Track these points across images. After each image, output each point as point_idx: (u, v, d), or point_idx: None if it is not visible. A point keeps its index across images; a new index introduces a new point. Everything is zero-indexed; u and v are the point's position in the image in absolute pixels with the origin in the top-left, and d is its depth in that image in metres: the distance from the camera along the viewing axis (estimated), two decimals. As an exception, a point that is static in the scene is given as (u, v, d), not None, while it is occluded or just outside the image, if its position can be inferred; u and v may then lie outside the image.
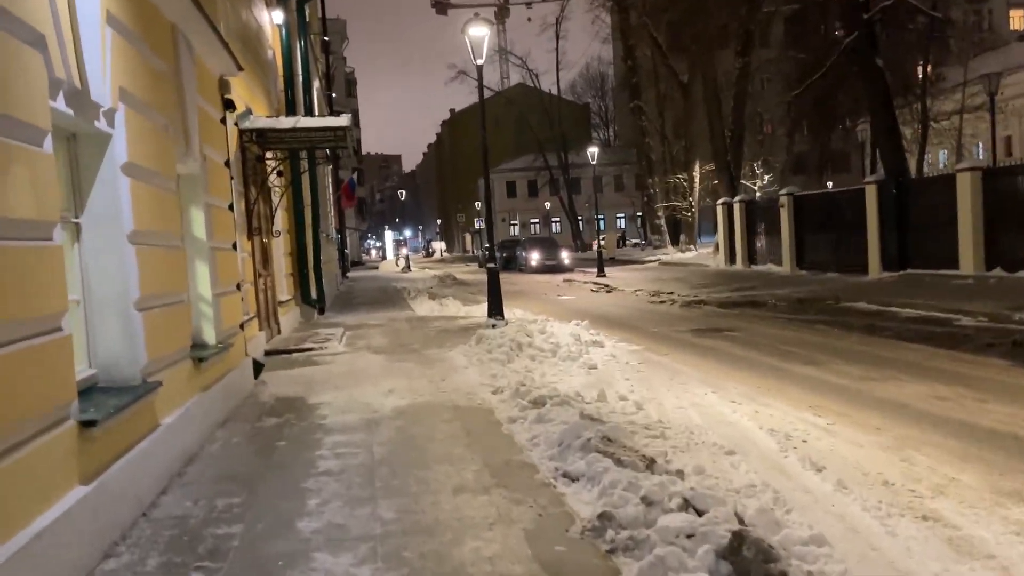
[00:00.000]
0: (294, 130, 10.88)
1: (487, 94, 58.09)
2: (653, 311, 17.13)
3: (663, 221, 40.66)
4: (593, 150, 29.73)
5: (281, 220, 14.42)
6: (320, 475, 4.96)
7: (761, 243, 26.89)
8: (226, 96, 7.94)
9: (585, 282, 27.88)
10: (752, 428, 6.18)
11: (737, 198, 27.99)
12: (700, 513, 3.87)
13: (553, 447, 5.18)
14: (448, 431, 6.00)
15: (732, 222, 28.31)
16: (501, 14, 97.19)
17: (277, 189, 13.06)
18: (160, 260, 5.24)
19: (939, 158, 39.01)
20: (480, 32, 12.52)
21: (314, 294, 15.85)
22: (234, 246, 8.04)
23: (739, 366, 9.37)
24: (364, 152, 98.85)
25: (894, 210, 19.31)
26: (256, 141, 10.94)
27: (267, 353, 10.82)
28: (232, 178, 8.29)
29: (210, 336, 6.78)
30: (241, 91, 11.01)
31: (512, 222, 77.68)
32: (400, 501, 4.40)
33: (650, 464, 4.85)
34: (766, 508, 4.05)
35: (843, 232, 21.72)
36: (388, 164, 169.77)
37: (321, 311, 16.04)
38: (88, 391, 4.34)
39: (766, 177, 38.57)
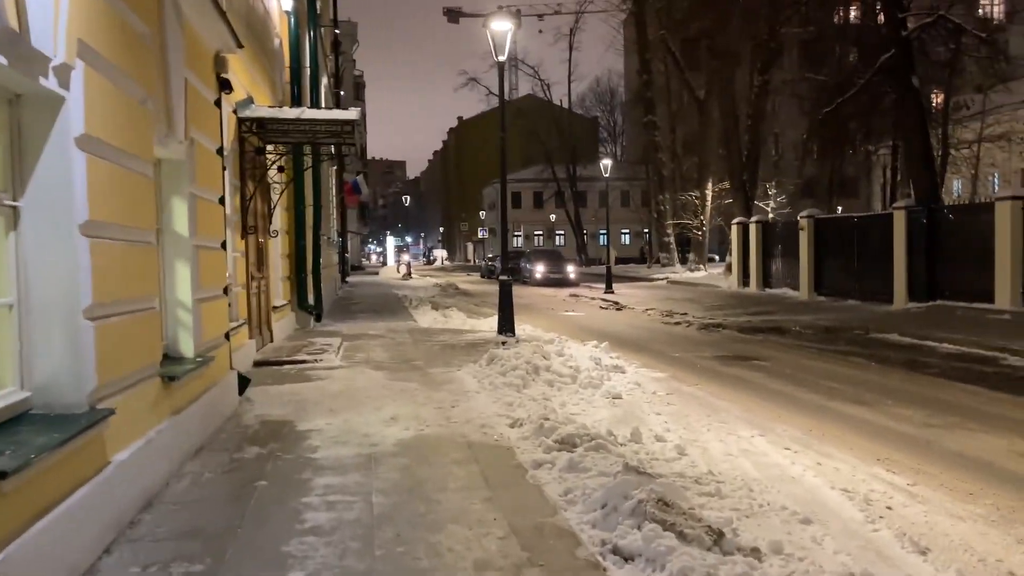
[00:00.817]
0: (298, 121, 9.95)
1: (496, 102, 57.01)
2: (669, 333, 16.19)
3: (672, 239, 39.75)
4: (606, 162, 28.85)
5: (280, 220, 13.49)
6: (306, 534, 3.99)
7: (777, 266, 25.97)
8: (222, 75, 7.00)
9: (592, 298, 26.96)
10: (821, 487, 5.22)
11: (754, 218, 27.10)
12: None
13: (595, 508, 4.21)
14: (463, 477, 5.03)
15: (747, 243, 27.41)
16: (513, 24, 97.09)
17: (277, 186, 12.12)
18: (124, 258, 4.29)
19: (953, 187, 38.14)
20: (503, 27, 11.63)
21: (311, 300, 14.90)
22: (223, 245, 7.10)
23: (780, 402, 8.42)
24: (369, 157, 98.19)
25: (924, 238, 18.40)
26: (256, 132, 10.02)
27: (256, 364, 9.85)
28: (225, 169, 7.34)
29: (188, 348, 5.82)
30: (242, 77, 10.09)
31: (516, 233, 76.73)
32: (407, 580, 3.43)
33: (718, 538, 3.89)
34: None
35: (866, 259, 20.81)
36: (392, 170, 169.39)
37: (318, 318, 15.07)
38: (13, 422, 3.38)
39: (779, 198, 37.71)
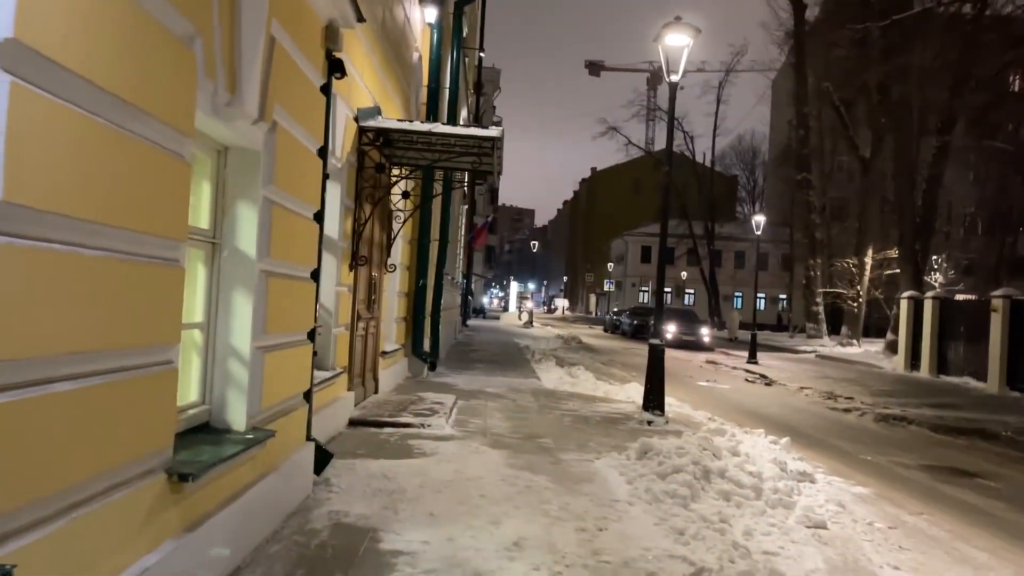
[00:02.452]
0: (429, 136, 8.27)
1: (634, 153, 55.10)
2: (840, 422, 13.50)
3: (821, 308, 36.16)
4: (759, 219, 26.18)
5: (400, 253, 11.90)
6: None
7: (956, 350, 22.40)
8: (334, 53, 5.33)
9: (734, 367, 24.16)
10: None
11: (929, 293, 23.65)
12: None
13: None
14: None
15: (918, 321, 23.94)
16: (654, 80, 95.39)
17: (400, 214, 10.52)
18: (97, 285, 2.49)
19: None
20: (679, 41, 9.63)
21: (427, 346, 13.20)
22: (314, 275, 5.35)
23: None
24: (500, 203, 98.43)
25: None
26: (378, 146, 8.41)
27: (352, 423, 8.08)
28: (327, 177, 5.63)
29: (237, 416, 4.01)
30: (370, 81, 8.54)
31: (643, 288, 74.05)
32: None
33: None
34: None
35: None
36: (521, 217, 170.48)
37: (432, 366, 13.33)
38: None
39: (949, 274, 33.65)
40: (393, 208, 10.56)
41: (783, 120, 72.69)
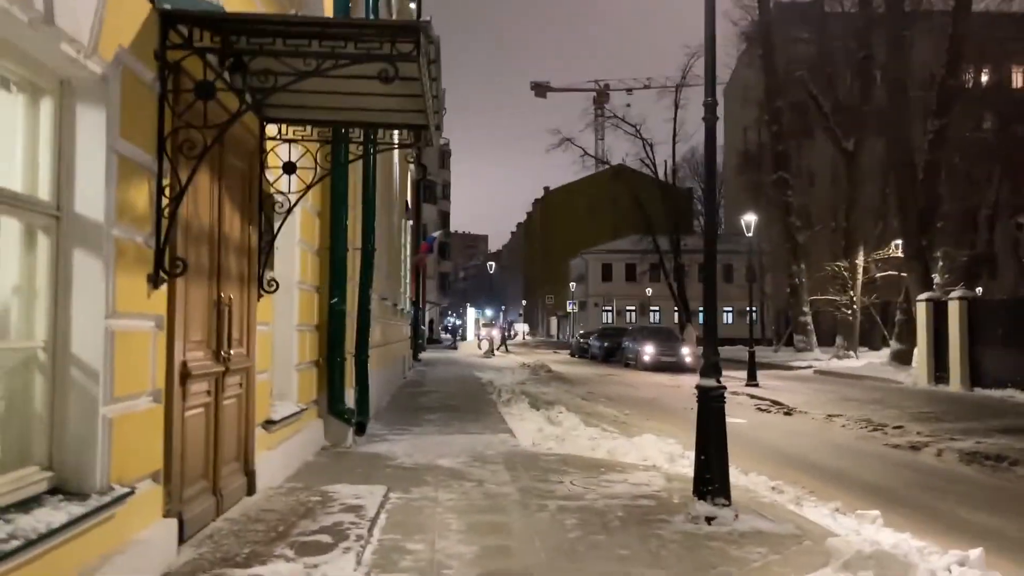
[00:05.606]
0: (300, 27, 4.41)
1: (590, 166, 51.68)
2: (921, 468, 10.20)
3: (809, 319, 32.86)
4: (750, 218, 22.71)
5: (301, 267, 7.94)
6: None
7: (990, 358, 19.09)
8: None
9: (734, 392, 20.52)
10: None
11: (955, 294, 20.34)
12: None
13: None
14: None
15: (940, 326, 20.63)
16: (601, 99, 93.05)
17: (283, 201, 6.57)
18: None
19: None
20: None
21: (351, 400, 9.19)
22: None
23: None
24: (452, 230, 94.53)
25: None
26: (218, 51, 4.48)
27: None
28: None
29: None
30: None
31: (605, 308, 70.64)
32: None
33: None
34: None
35: None
36: (475, 243, 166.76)
37: (360, 429, 9.29)
38: None
39: (945, 275, 30.70)
40: (275, 191, 6.62)
41: (737, 127, 70.53)
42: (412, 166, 24.90)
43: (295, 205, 6.53)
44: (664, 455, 8.60)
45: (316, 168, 6.58)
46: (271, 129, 6.44)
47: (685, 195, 76.78)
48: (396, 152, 15.30)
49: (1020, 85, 38.85)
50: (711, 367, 5.92)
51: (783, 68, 33.95)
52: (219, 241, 5.30)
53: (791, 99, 35.43)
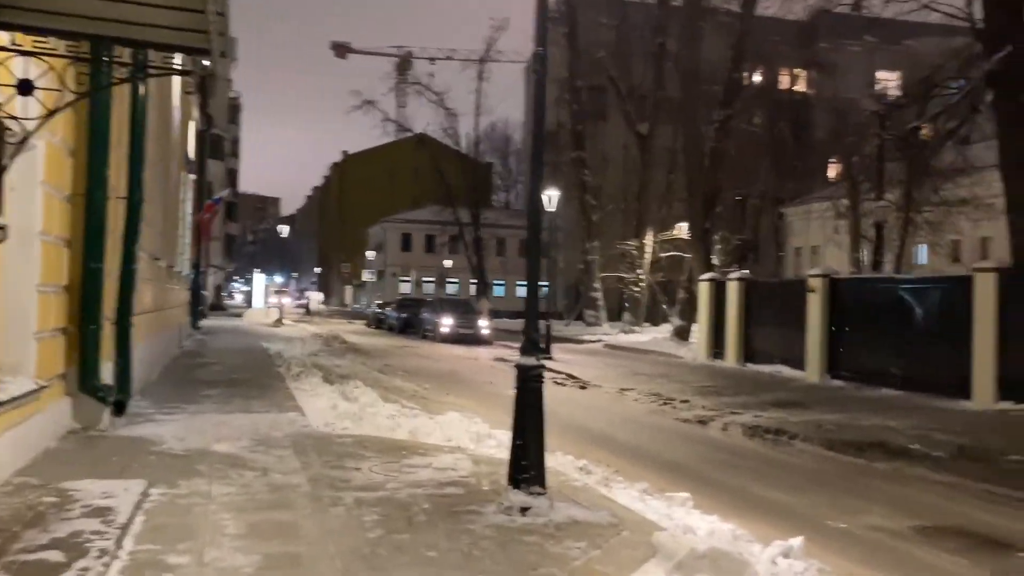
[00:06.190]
0: None
1: (391, 132, 50.52)
2: (708, 442, 10.66)
3: (600, 295, 34.12)
4: (553, 193, 22.86)
5: (44, 214, 6.50)
6: None
7: (764, 336, 20.59)
8: None
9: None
10: None
11: (735, 274, 21.71)
12: None
13: None
14: None
15: (719, 305, 21.98)
16: (403, 66, 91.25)
17: (15, 128, 5.22)
18: None
19: (917, 255, 34.60)
20: None
21: (108, 375, 7.80)
22: None
23: None
24: (240, 190, 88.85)
25: (1027, 313, 13.34)
26: None
27: None
28: None
29: None
30: None
31: (403, 278, 69.72)
32: None
33: None
34: None
35: (917, 335, 15.61)
36: (265, 206, 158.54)
37: (119, 409, 7.93)
38: None
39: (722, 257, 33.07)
40: (4, 116, 5.23)
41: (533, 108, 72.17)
42: (196, 114, 22.60)
43: (32, 135, 5.20)
44: (470, 435, 8.10)
45: (64, 92, 5.27)
46: (2, 37, 5.06)
47: (485, 169, 77.57)
48: (176, 93, 13.52)
49: (786, 86, 42.45)
50: (531, 344, 5.43)
51: (584, 50, 34.77)
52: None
53: (590, 81, 36.41)
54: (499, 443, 7.84)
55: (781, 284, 21.13)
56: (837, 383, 17.23)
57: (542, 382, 5.55)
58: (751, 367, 20.45)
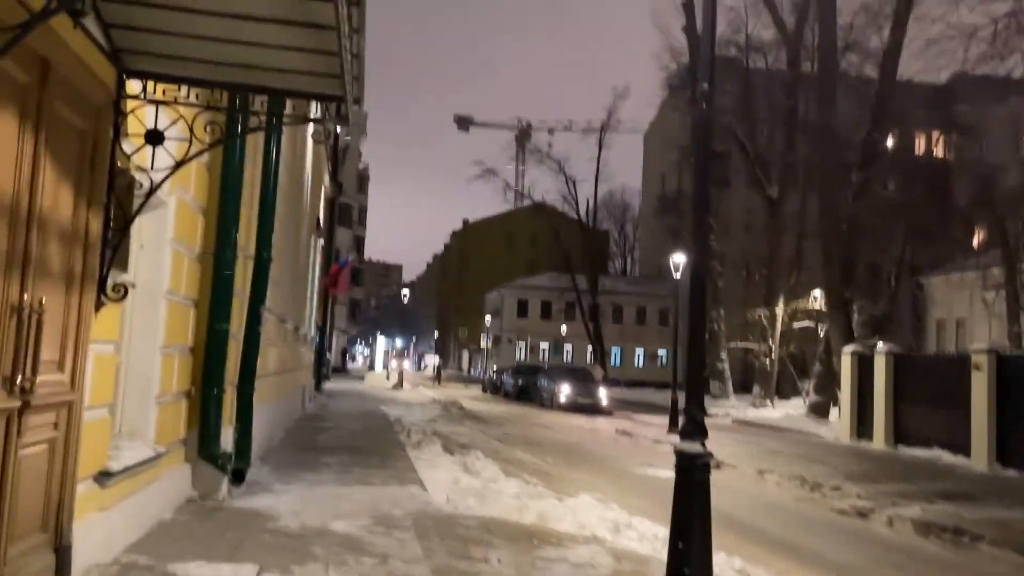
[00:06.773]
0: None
1: (511, 199, 51.04)
2: (871, 538, 9.59)
3: (726, 366, 32.45)
4: (679, 258, 21.93)
5: (172, 270, 6.29)
6: None
7: (914, 416, 18.66)
8: None
9: (655, 440, 19.53)
10: None
11: (882, 348, 19.94)
12: None
13: None
14: None
15: (865, 380, 20.18)
16: (522, 137, 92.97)
17: (143, 180, 5.00)
18: None
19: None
20: None
21: (228, 442, 7.49)
22: None
23: None
24: (365, 258, 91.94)
25: None
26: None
27: None
28: None
29: None
30: None
31: (519, 343, 69.46)
32: None
33: None
34: None
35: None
36: (388, 272, 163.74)
37: (238, 478, 7.59)
38: None
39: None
40: (131, 167, 5.02)
41: (656, 172, 71.43)
42: (327, 181, 23.22)
43: (159, 187, 4.95)
44: (606, 524, 7.25)
45: (191, 141, 5.01)
46: (134, 86, 4.87)
47: (602, 236, 77.15)
48: (308, 158, 13.68)
49: (922, 151, 40.13)
50: (694, 427, 4.63)
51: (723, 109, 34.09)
52: (28, 220, 3.70)
53: (714, 147, 35.52)
54: (640, 535, 6.98)
55: (937, 359, 19.20)
56: (1010, 472, 15.26)
57: (709, 473, 4.69)
58: (903, 450, 18.52)
